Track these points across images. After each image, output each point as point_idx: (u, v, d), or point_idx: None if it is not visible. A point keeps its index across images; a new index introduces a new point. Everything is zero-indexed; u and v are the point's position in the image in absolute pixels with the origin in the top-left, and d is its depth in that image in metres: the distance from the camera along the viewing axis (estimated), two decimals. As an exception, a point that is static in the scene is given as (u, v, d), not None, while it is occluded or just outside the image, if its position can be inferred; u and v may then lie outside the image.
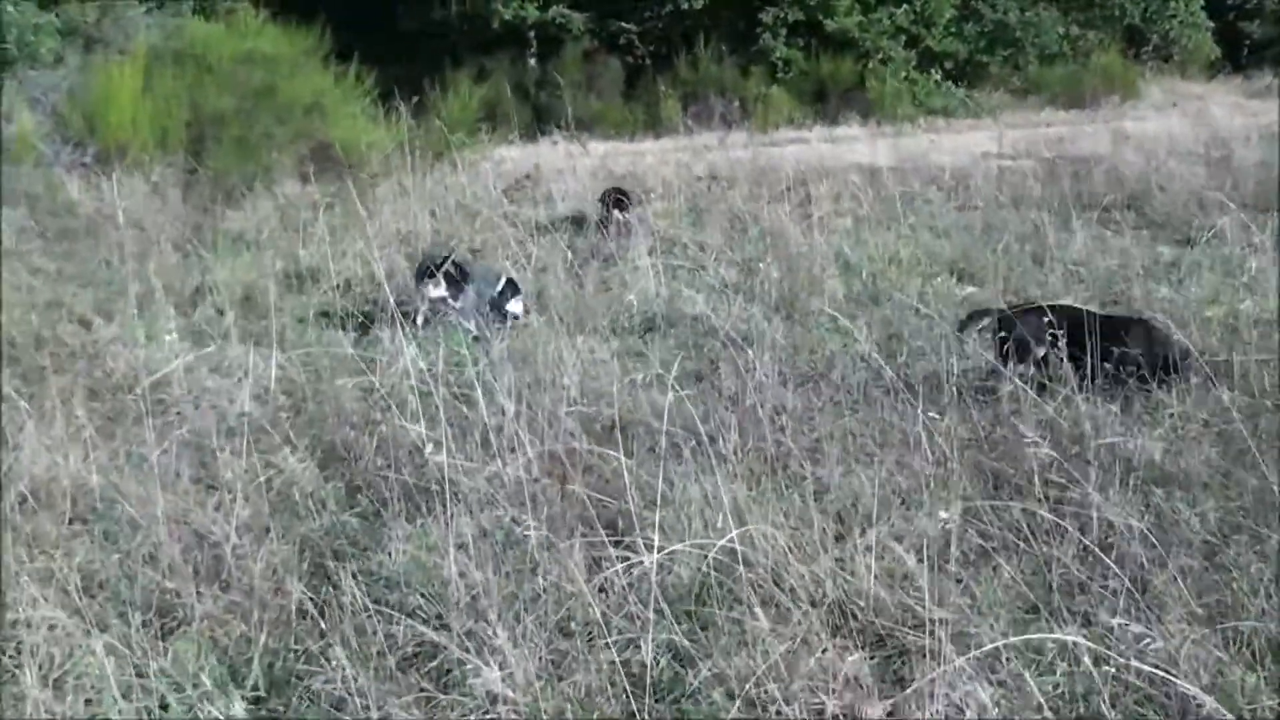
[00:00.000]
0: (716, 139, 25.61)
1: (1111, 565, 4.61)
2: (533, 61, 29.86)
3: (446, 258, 9.30)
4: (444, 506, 5.17)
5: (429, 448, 5.47)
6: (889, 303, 9.05)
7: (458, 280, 9.21)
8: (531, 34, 29.76)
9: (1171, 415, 6.41)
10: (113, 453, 6.35)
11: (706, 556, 4.70)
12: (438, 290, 9.19)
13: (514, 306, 9.24)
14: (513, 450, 5.69)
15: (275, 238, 12.60)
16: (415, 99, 20.29)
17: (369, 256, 10.74)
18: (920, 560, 4.63)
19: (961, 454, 5.66)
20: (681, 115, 26.87)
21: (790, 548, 4.81)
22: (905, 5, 28.76)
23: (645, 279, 9.55)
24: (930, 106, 28.35)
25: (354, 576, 4.91)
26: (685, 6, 28.69)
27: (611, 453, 5.42)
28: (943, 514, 4.95)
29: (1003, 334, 7.36)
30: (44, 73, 17.07)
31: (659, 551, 4.45)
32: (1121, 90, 28.62)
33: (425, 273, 9.26)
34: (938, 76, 28.99)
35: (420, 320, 9.12)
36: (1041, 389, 6.56)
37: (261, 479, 5.83)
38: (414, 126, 18.98)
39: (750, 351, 7.10)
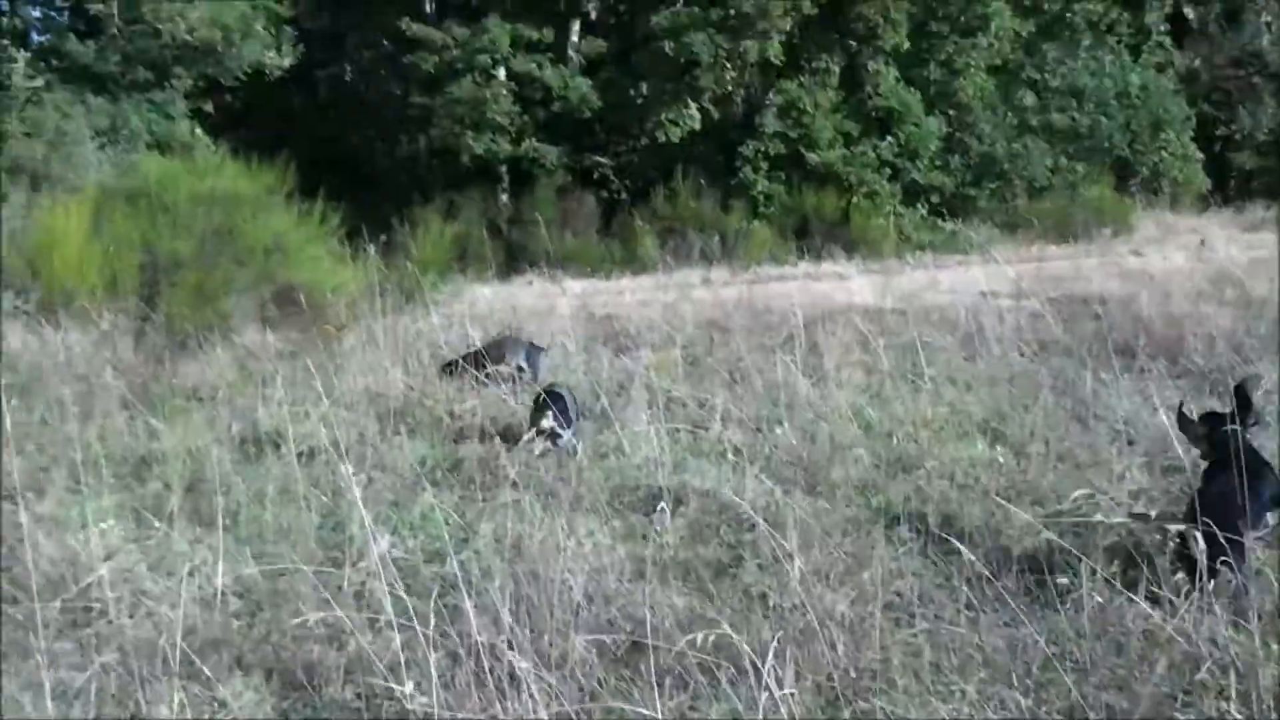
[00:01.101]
0: (698, 277, 25.01)
1: None
2: (505, 197, 29.30)
3: (559, 394, 9.41)
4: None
5: (408, 688, 4.48)
6: (922, 472, 8.16)
7: (564, 407, 9.26)
8: (504, 169, 29.25)
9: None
10: (24, 681, 5.33)
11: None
12: (548, 422, 9.08)
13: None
14: (514, 685, 4.71)
15: (233, 394, 11.64)
16: (383, 238, 19.63)
17: (333, 420, 9.82)
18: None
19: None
20: (660, 251, 26.33)
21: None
22: (889, 138, 28.36)
23: (646, 445, 8.64)
24: (917, 241, 27.81)
25: None
26: (662, 140, 28.20)
27: (643, 713, 4.44)
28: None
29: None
30: (-14, 213, 16.25)
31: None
32: (1114, 224, 28.17)
33: (542, 407, 9.25)
34: (924, 210, 28.54)
35: (538, 451, 8.98)
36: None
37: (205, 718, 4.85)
38: (382, 267, 18.23)
39: (777, 536, 6.16)
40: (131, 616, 5.87)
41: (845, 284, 22.65)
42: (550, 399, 9.31)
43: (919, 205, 28.52)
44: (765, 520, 7.09)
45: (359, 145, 29.60)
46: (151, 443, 9.47)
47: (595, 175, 29.35)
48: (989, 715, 4.67)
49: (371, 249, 18.21)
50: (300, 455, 9.06)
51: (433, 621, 5.00)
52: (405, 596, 5.69)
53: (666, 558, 6.74)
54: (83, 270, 15.03)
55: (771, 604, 5.89)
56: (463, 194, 28.08)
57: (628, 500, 7.81)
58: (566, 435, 9.13)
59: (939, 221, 28.52)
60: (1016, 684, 4.85)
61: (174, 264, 15.63)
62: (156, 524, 7.10)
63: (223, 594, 6.01)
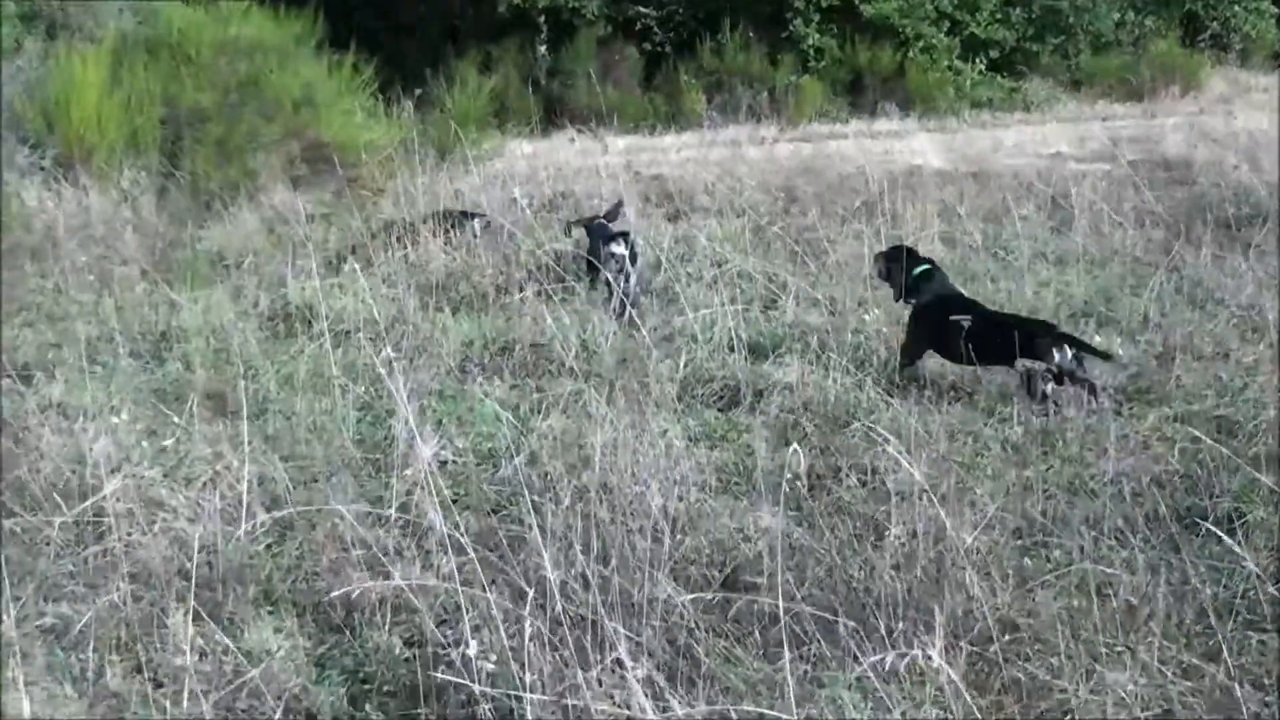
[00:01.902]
0: (746, 133, 23.96)
1: None
2: (543, 49, 28.01)
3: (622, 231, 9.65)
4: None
5: (471, 648, 3.71)
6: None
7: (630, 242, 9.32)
8: (542, 19, 27.90)
9: None
10: (21, 610, 4.60)
11: None
12: (620, 249, 9.11)
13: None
14: (601, 647, 3.96)
15: (260, 262, 10.86)
16: (418, 91, 18.70)
17: (368, 294, 9.02)
18: None
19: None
20: (705, 107, 25.26)
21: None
22: (949, -12, 27.00)
23: (716, 327, 7.80)
24: (975, 98, 26.58)
25: None
26: (710, -11, 26.89)
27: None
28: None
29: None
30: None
31: None
32: (1181, 82, 26.84)
33: (610, 237, 9.40)
34: (983, 65, 27.20)
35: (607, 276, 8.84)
36: None
37: (227, 667, 4.12)
38: (417, 122, 17.31)
39: (884, 442, 5.36)
40: (145, 534, 5.11)
41: (903, 143, 21.60)
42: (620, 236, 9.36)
43: (978, 60, 27.07)
44: (858, 420, 6.33)
45: (390, -7, 28.41)
46: (172, 317, 8.67)
47: (638, 26, 27.94)
48: (1177, 686, 3.88)
49: (406, 104, 17.34)
50: (331, 334, 8.30)
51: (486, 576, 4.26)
52: (457, 514, 4.96)
53: (752, 465, 5.96)
54: (101, 124, 14.13)
55: (881, 530, 5.09)
56: (499, 45, 26.87)
57: (700, 394, 7.00)
58: (634, 276, 9.04)
59: (998, 77, 27.13)
60: (1193, 643, 4.07)
61: (197, 118, 14.73)
62: (175, 419, 6.31)
63: (248, 507, 5.25)
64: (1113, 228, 10.71)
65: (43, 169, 13.72)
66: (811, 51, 26.69)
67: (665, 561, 4.68)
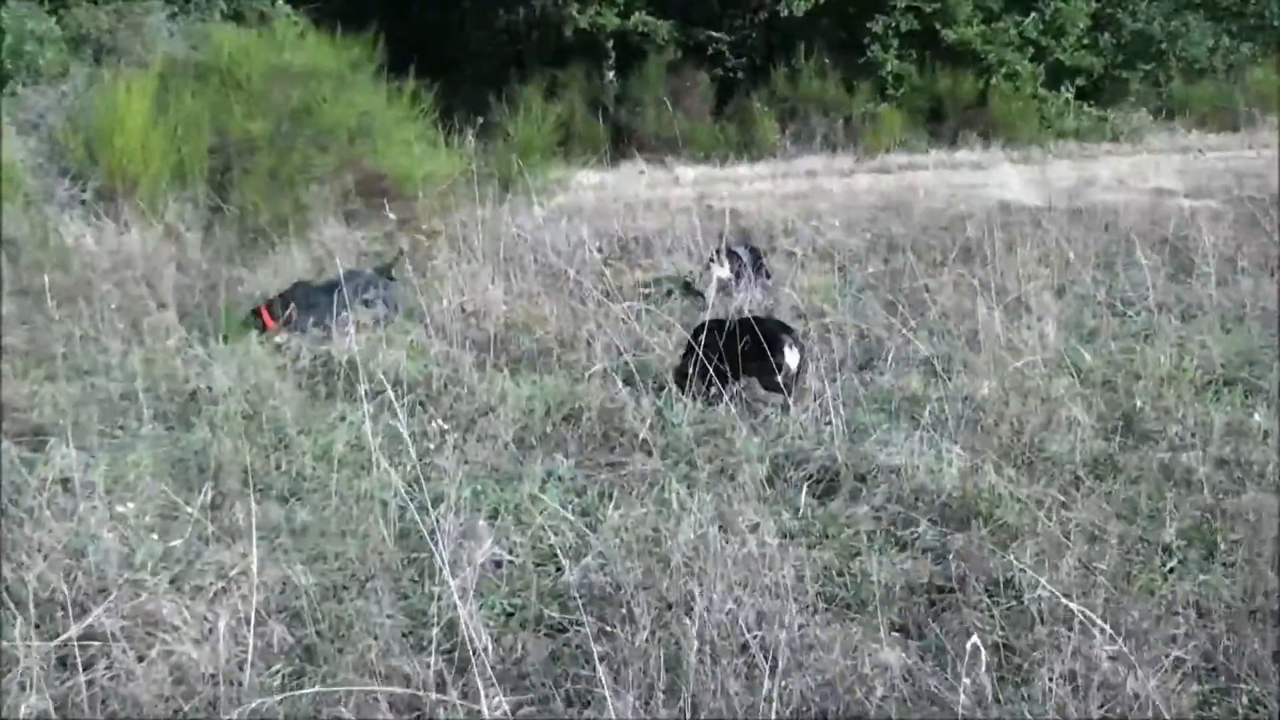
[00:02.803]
0: (821, 163, 23.17)
1: None
2: (611, 75, 27.40)
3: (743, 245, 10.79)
4: None
5: None
6: (1164, 443, 6.40)
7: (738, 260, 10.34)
8: (610, 44, 27.30)
9: None
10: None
11: None
12: (723, 271, 10.14)
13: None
14: None
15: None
16: (480, 120, 18.03)
17: (420, 349, 8.26)
18: None
19: None
20: (779, 136, 24.56)
21: None
22: (1033, 13, 26.05)
23: (807, 395, 6.95)
24: (1060, 128, 25.68)
25: None
26: (783, 13, 26.06)
27: None
28: None
29: None
30: (43, 89, 14.69)
31: None
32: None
33: (711, 257, 10.42)
34: (1069, 93, 26.29)
35: (710, 297, 9.53)
36: None
37: None
38: (479, 152, 16.61)
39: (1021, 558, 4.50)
40: (141, 659, 4.32)
41: (988, 175, 20.71)
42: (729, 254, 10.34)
43: (1064, 88, 26.25)
44: (978, 512, 5.46)
45: (453, 17, 27.74)
46: (205, 373, 7.91)
47: (709, 51, 27.31)
48: None
49: (467, 133, 16.65)
50: (379, 394, 7.52)
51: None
52: (513, 634, 4.16)
53: (858, 571, 5.11)
54: (146, 154, 13.51)
55: (1026, 670, 4.22)
56: (565, 71, 26.28)
57: (793, 477, 6.13)
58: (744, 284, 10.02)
59: (1085, 106, 26.25)
60: None
61: (247, 148, 14.09)
62: (189, 510, 5.51)
63: (262, 625, 4.45)
64: (1238, 275, 9.76)
65: (83, 202, 13.09)
66: (890, 78, 25.93)
67: (764, 712, 3.84)
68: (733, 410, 6.69)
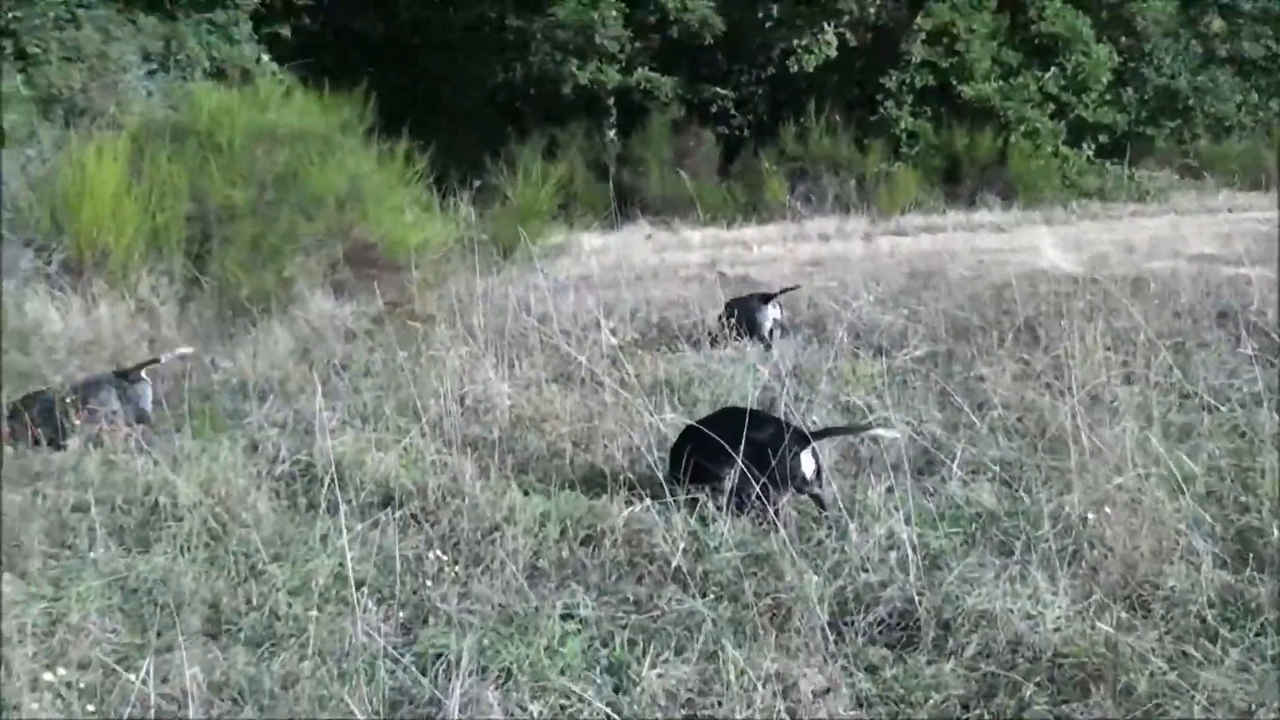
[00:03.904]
0: (833, 226, 22.41)
1: None
2: (612, 134, 26.65)
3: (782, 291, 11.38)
4: None
5: None
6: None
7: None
8: (611, 101, 26.56)
9: None
10: None
11: None
12: (776, 313, 10.79)
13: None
14: None
15: (289, 393, 9.25)
16: (476, 182, 17.33)
17: (421, 449, 7.34)
18: None
19: None
20: (788, 197, 23.85)
21: None
22: (1054, 68, 25.37)
23: (868, 514, 6.01)
24: (1082, 187, 24.96)
25: None
26: (793, 69, 25.36)
27: None
28: None
29: None
30: (8, 152, 13.85)
31: None
32: (1311, 168, 25.14)
33: (766, 299, 10.91)
34: (1090, 151, 25.60)
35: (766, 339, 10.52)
36: None
37: None
38: (476, 217, 15.86)
39: None
40: None
41: (1013, 238, 19.98)
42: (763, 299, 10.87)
43: (1085, 145, 25.56)
44: (1098, 674, 4.55)
45: (447, 74, 27.00)
46: (171, 479, 6.97)
47: (714, 109, 26.59)
48: None
49: (463, 196, 15.94)
50: (367, 508, 6.63)
51: None
52: None
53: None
54: (118, 223, 12.69)
55: None
56: (564, 130, 25.57)
57: (861, 623, 5.19)
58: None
59: (1108, 164, 25.53)
60: None
61: (227, 215, 13.32)
62: (131, 680, 4.58)
63: None
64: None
65: (48, 276, 12.22)
66: (904, 136, 25.29)
67: None
68: (782, 534, 5.74)
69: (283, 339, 11.10)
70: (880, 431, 7.13)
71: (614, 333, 9.64)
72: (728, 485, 6.29)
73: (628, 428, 7.51)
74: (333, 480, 6.29)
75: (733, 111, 26.67)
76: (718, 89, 26.55)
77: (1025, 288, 11.93)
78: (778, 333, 10.77)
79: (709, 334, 10.60)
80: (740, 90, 26.76)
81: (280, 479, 7.23)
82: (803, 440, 6.42)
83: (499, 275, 13.12)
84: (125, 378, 8.68)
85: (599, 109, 26.66)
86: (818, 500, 6.39)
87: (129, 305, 12.07)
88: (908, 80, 25.31)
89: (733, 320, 10.63)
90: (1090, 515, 5.69)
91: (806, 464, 6.39)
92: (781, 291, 11.33)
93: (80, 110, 14.89)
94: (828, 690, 4.56)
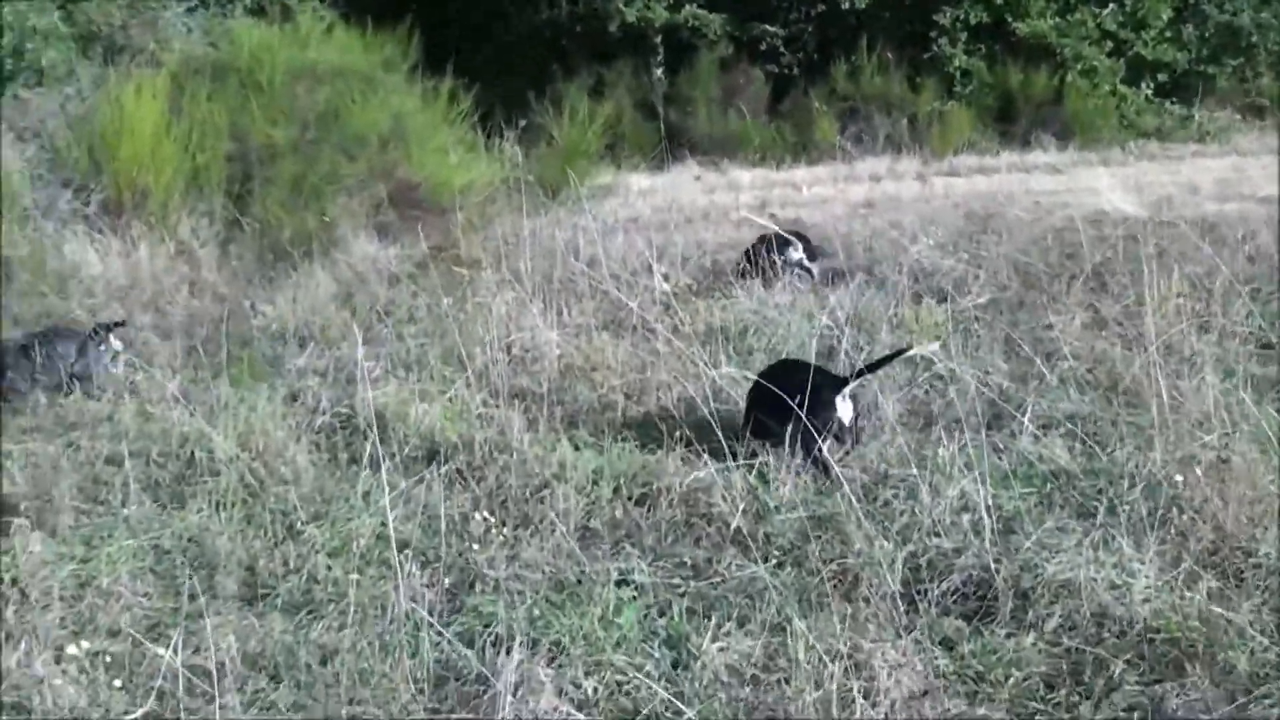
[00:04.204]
0: (885, 166, 21.91)
1: None
2: (659, 72, 26.11)
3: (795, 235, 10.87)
4: None
5: None
6: None
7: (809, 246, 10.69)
8: (658, 39, 26.03)
9: None
10: None
11: None
12: (798, 254, 10.45)
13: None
14: None
15: (331, 339, 9.00)
16: (522, 122, 16.95)
17: (467, 401, 7.07)
18: None
19: None
20: (839, 137, 23.29)
21: None
22: (1112, 4, 24.65)
23: (940, 476, 5.67)
24: (1141, 127, 24.29)
25: None
26: (844, 6, 24.79)
27: None
28: None
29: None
30: (46, 92, 13.61)
31: None
32: (1380, 107, 24.41)
33: (786, 241, 10.53)
34: (1149, 90, 24.86)
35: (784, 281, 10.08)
36: None
37: None
38: (522, 157, 15.52)
39: None
40: None
41: (1070, 179, 19.44)
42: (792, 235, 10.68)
43: (1144, 84, 24.78)
44: (1191, 650, 4.24)
45: (493, 11, 26.57)
46: (203, 434, 6.72)
47: (763, 46, 25.91)
48: None
49: (508, 136, 15.59)
50: (411, 463, 6.36)
51: None
52: None
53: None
54: (158, 163, 12.44)
55: None
56: (611, 69, 25.03)
57: (934, 593, 4.87)
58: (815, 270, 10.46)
59: (1168, 104, 24.80)
60: None
61: (268, 155, 13.06)
62: (160, 653, 4.32)
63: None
64: None
65: (86, 218, 12.00)
66: (958, 74, 24.56)
67: None
68: (846, 491, 5.43)
69: (324, 283, 10.86)
70: (918, 350, 6.80)
71: (666, 278, 9.31)
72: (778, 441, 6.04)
73: (682, 378, 7.20)
74: (375, 433, 6.04)
75: (782, 49, 26.02)
76: (767, 26, 25.91)
77: (1089, 231, 11.48)
78: (798, 273, 10.50)
79: (761, 273, 10.21)
80: (790, 27, 26.11)
81: (320, 431, 6.99)
82: (836, 385, 6.15)
83: (546, 217, 12.81)
84: (96, 334, 8.38)
85: (646, 47, 26.09)
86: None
87: (168, 247, 11.85)
88: (961, 16, 24.55)
89: (757, 262, 10.36)
90: (1178, 477, 5.31)
91: (843, 410, 6.12)
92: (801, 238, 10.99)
93: (119, 47, 14.60)
94: (900, 666, 4.26)
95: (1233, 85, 25.36)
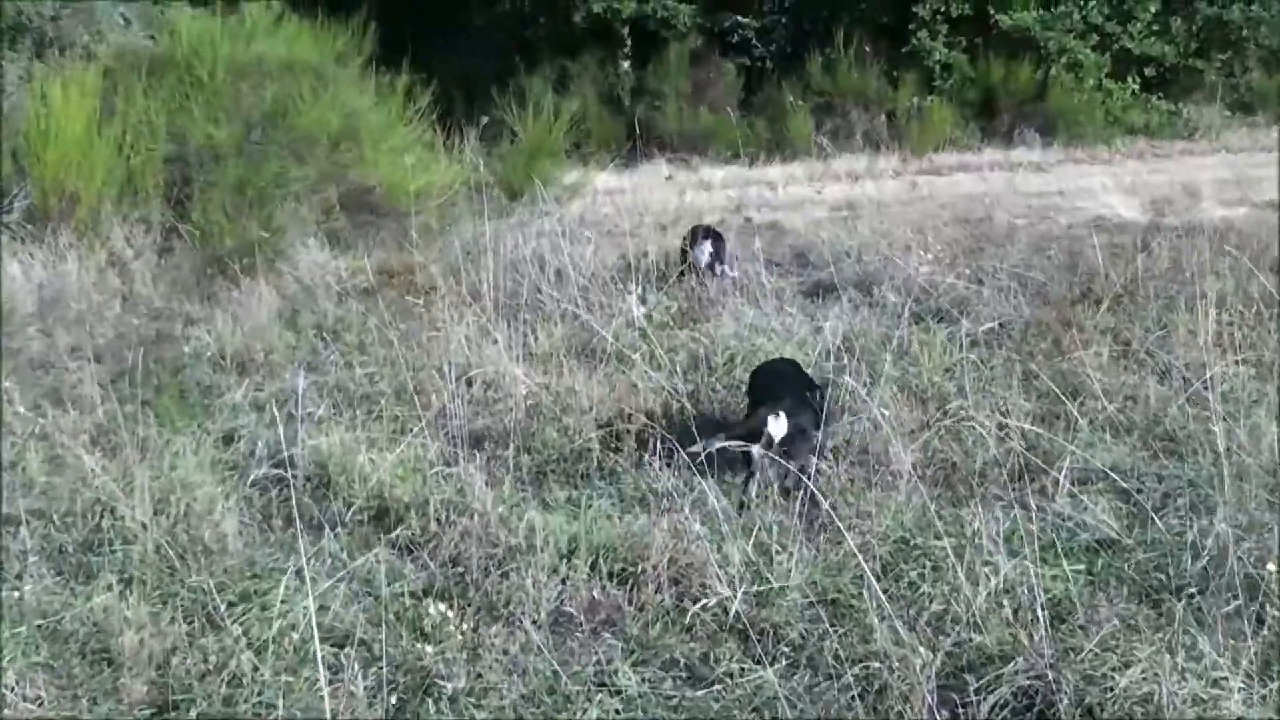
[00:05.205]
0: (862, 164, 21.30)
1: None
2: (626, 65, 25.51)
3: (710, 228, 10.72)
4: None
5: None
6: None
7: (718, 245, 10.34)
8: (626, 31, 25.40)
9: None
10: None
11: None
12: (705, 256, 10.12)
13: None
14: None
15: (272, 368, 8.22)
16: (483, 118, 16.26)
17: (422, 451, 6.27)
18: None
19: None
20: (814, 132, 22.66)
21: None
22: (1097, -4, 24.18)
23: (964, 543, 4.92)
24: (1127, 123, 23.78)
25: None
26: (818, -4, 24.25)
27: None
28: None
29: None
30: (-31, 88, 12.81)
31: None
32: (1372, 103, 23.94)
33: (694, 240, 10.36)
34: (1136, 85, 24.34)
35: (697, 278, 9.86)
36: None
37: None
38: (484, 155, 14.80)
39: None
40: None
41: (1056, 178, 18.87)
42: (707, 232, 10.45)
43: (1130, 79, 24.25)
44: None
45: (452, 1, 25.87)
46: (122, 490, 5.90)
47: (734, 39, 25.31)
48: None
49: (469, 134, 14.89)
50: (356, 527, 5.58)
51: None
52: None
53: None
54: (89, 166, 11.71)
55: None
56: (576, 61, 24.47)
57: (982, 710, 4.11)
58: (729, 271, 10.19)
59: (1154, 99, 24.26)
60: None
61: (210, 157, 12.31)
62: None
63: None
64: None
65: (9, 227, 11.21)
66: (938, 69, 24.05)
67: None
68: (865, 570, 4.67)
69: (268, 299, 10.06)
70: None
71: (643, 301, 8.53)
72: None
73: (660, 420, 6.44)
74: (314, 494, 5.26)
75: (754, 41, 25.39)
76: (738, 17, 25.28)
77: (1095, 240, 10.76)
78: (718, 268, 10.19)
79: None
80: (762, 19, 25.49)
81: (255, 484, 6.17)
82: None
83: (510, 220, 12.05)
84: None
85: (613, 39, 25.53)
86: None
87: (99, 259, 11.11)
88: (941, 8, 23.94)
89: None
90: (1270, 567, 4.56)
91: (774, 425, 5.61)
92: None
93: (49, 40, 13.76)
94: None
95: (1220, 80, 24.86)
